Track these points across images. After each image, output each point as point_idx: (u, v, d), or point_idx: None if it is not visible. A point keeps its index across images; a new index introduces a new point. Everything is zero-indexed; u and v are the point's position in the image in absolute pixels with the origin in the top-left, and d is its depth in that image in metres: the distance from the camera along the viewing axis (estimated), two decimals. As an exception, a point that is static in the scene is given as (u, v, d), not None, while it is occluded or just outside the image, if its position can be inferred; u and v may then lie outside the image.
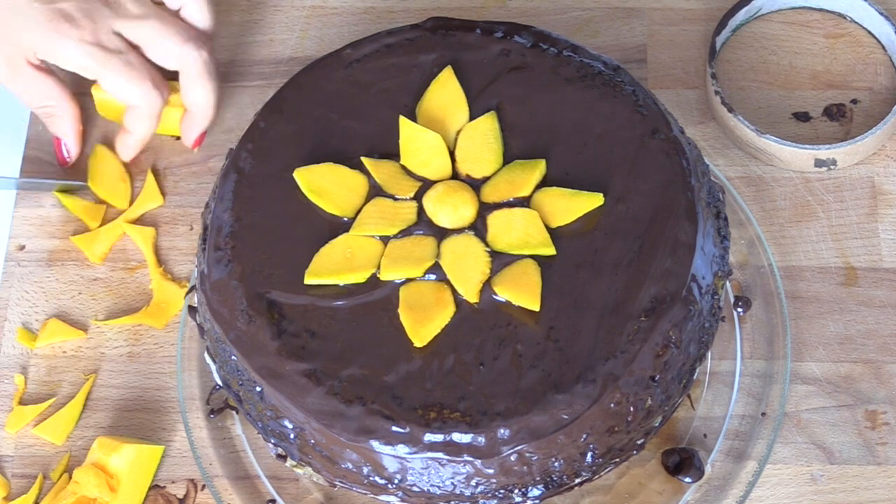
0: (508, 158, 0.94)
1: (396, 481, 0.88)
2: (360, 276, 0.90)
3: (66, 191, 1.09)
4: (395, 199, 0.93)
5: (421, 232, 0.92)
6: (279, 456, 0.92)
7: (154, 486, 0.99)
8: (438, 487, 0.88)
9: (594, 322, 0.88)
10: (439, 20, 0.99)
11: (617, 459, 0.90)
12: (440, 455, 0.86)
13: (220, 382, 0.95)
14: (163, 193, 1.09)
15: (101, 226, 1.07)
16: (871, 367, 1.01)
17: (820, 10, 1.13)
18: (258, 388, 0.89)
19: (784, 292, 1.01)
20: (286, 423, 0.89)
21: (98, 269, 1.06)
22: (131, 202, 1.08)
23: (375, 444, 0.86)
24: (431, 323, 0.89)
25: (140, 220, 1.08)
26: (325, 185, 0.93)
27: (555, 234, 0.91)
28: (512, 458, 0.86)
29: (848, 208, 1.06)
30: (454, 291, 0.90)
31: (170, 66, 1.05)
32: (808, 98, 1.10)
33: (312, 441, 0.88)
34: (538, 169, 0.93)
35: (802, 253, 1.04)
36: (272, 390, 0.88)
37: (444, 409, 0.86)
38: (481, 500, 0.88)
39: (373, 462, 0.87)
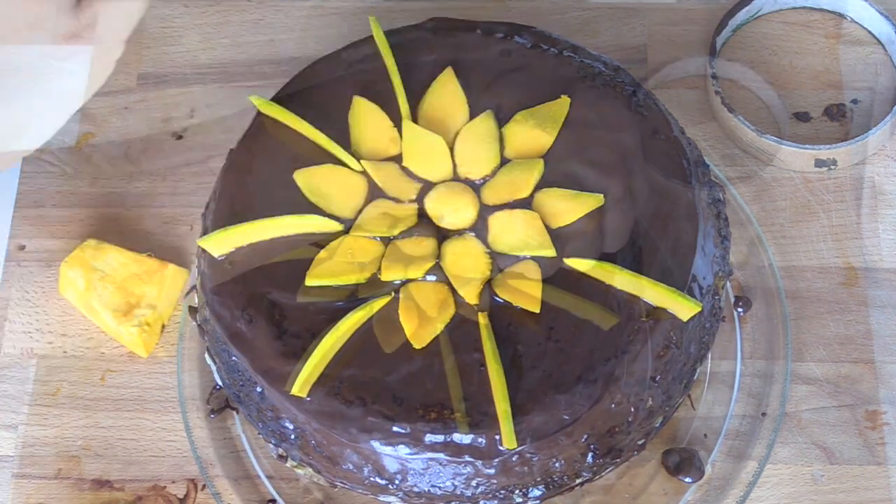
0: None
1: (397, 482, 0.88)
2: (361, 277, 0.90)
3: None
4: (396, 202, 0.93)
5: (421, 233, 0.92)
6: (280, 456, 0.92)
7: (154, 486, 0.99)
8: (439, 488, 0.88)
9: (595, 323, 0.88)
10: (440, 20, 0.99)
11: (618, 460, 0.90)
12: (441, 455, 0.86)
13: (220, 382, 0.95)
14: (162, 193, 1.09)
15: None
16: (871, 367, 1.01)
17: (820, 10, 1.13)
18: (259, 389, 0.89)
19: (784, 292, 1.01)
20: (287, 423, 0.89)
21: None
22: None
23: (376, 444, 0.86)
24: (431, 324, 0.89)
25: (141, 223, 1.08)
26: (325, 186, 0.93)
27: (555, 234, 0.91)
28: (513, 458, 0.86)
29: (848, 208, 1.06)
30: (454, 292, 0.90)
31: None
32: (808, 98, 1.10)
33: (313, 441, 0.88)
34: (536, 169, 0.92)
35: (803, 253, 1.04)
36: (273, 391, 0.88)
37: (444, 409, 0.86)
38: (482, 501, 0.88)
39: (374, 462, 0.87)
